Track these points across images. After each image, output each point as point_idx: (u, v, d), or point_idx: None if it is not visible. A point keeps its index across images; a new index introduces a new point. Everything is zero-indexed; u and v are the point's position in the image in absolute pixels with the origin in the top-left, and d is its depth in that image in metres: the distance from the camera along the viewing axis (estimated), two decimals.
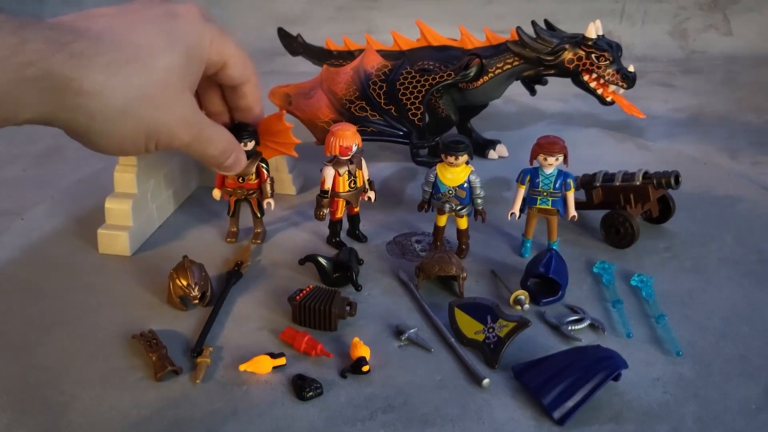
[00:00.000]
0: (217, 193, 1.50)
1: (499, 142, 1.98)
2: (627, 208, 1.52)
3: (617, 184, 1.53)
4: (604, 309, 1.31)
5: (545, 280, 1.36)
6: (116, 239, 1.45)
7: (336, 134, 1.42)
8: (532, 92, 1.96)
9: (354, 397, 1.09)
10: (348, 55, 2.05)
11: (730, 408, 1.07)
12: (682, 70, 2.85)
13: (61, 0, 2.91)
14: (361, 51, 2.02)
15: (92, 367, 1.14)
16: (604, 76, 1.63)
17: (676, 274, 1.42)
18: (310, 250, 1.48)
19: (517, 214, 1.46)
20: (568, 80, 1.74)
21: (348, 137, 1.42)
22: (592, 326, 1.25)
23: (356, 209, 1.52)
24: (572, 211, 1.44)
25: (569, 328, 1.24)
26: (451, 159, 1.39)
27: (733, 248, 1.51)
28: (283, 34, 2.21)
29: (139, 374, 1.13)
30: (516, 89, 1.90)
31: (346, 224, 1.55)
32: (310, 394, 1.08)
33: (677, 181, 1.49)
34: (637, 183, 1.51)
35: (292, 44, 2.21)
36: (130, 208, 1.46)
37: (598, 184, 1.56)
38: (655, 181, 1.50)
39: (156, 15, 0.77)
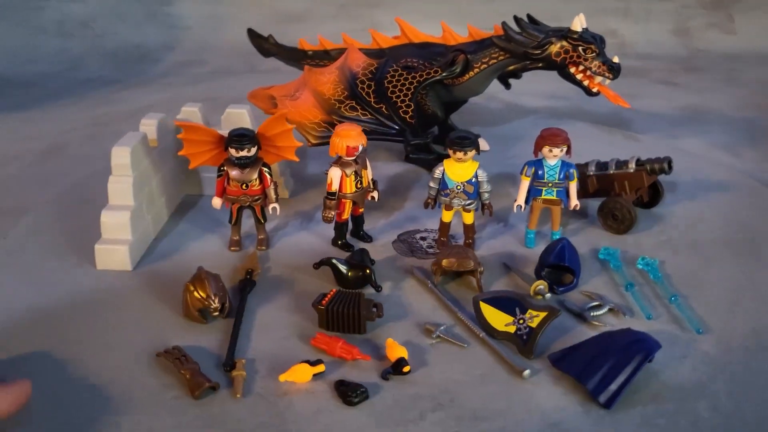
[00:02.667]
0: (217, 202, 1.45)
1: (479, 135, 1.99)
2: (622, 194, 1.56)
3: (611, 172, 1.57)
4: (617, 293, 1.35)
5: (558, 269, 1.38)
6: (116, 254, 1.39)
7: (341, 135, 1.41)
8: (507, 86, 1.99)
9: (400, 398, 1.08)
10: (324, 55, 2.03)
11: (756, 382, 1.12)
12: (685, 68, 2.85)
13: None
14: (337, 50, 2.00)
15: (122, 390, 1.09)
16: (590, 68, 1.67)
17: (675, 255, 1.47)
18: (317, 253, 1.46)
19: (523, 205, 1.48)
20: (549, 76, 1.78)
21: (354, 137, 1.40)
22: (612, 311, 1.29)
23: (361, 210, 1.50)
24: (575, 200, 1.48)
25: (591, 314, 1.27)
26: (460, 155, 1.39)
27: (721, 228, 1.58)
28: (253, 35, 2.16)
29: (174, 393, 1.08)
30: (500, 85, 1.92)
31: (348, 225, 1.53)
32: (357, 399, 1.06)
33: (670, 167, 1.54)
34: (631, 170, 1.55)
35: (263, 45, 2.16)
36: (129, 220, 1.40)
37: (591, 173, 1.60)
38: (648, 168, 1.55)
39: None
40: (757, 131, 2.20)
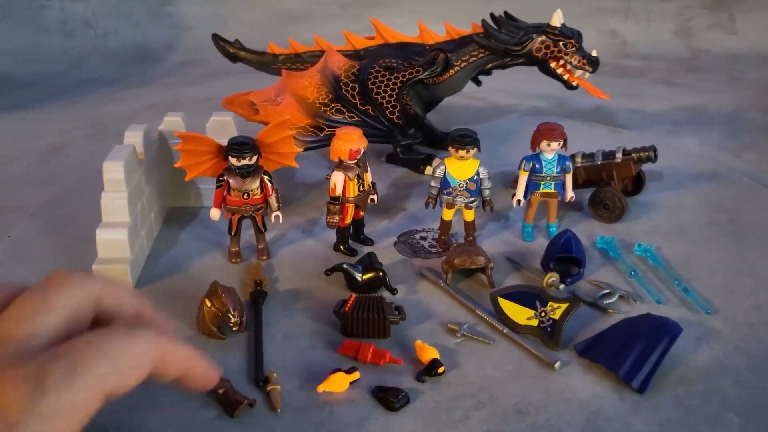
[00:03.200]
0: (216, 213, 1.41)
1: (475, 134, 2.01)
2: (611, 184, 1.61)
3: (599, 162, 1.62)
4: (622, 280, 1.39)
5: (563, 260, 1.41)
6: (116, 273, 1.32)
7: (343, 138, 1.39)
8: (478, 83, 2.01)
9: (441, 399, 1.08)
10: (296, 58, 1.99)
11: None
12: (687, 68, 2.88)
13: None
14: (309, 53, 1.97)
15: (157, 416, 1.04)
16: (571, 62, 1.71)
17: (666, 239, 1.53)
18: (320, 259, 1.44)
19: (522, 200, 1.50)
20: (529, 73, 1.81)
21: (356, 140, 1.39)
22: (622, 298, 1.32)
23: (362, 213, 1.49)
24: (570, 192, 1.51)
25: (605, 302, 1.30)
26: (462, 153, 1.40)
27: (702, 211, 1.65)
28: (217, 40, 2.10)
29: (211, 413, 1.04)
30: (483, 86, 1.94)
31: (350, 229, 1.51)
32: (399, 404, 1.05)
33: (656, 155, 1.60)
34: (619, 160, 1.60)
35: (229, 50, 2.10)
36: (127, 237, 1.34)
37: (579, 164, 1.64)
38: (635, 157, 1.60)
39: None
40: (758, 131, 2.26)
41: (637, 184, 1.69)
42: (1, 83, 2.70)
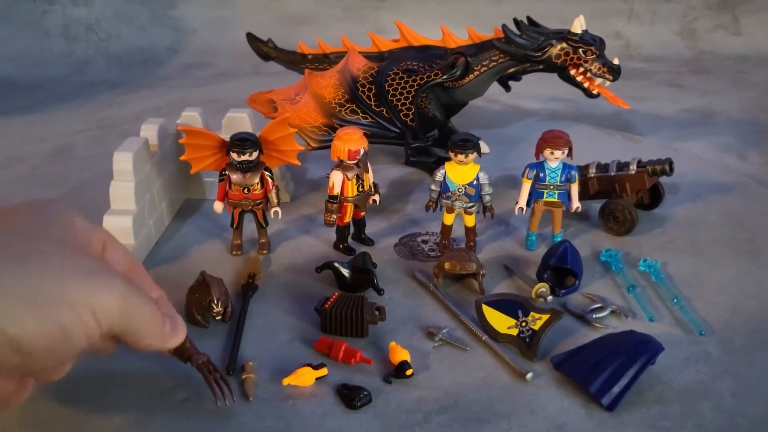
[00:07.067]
0: (219, 206, 1.45)
1: (479, 138, 1.99)
2: (623, 196, 1.56)
3: (612, 173, 1.58)
4: (620, 295, 1.35)
5: (560, 271, 1.38)
6: None
7: (343, 138, 1.41)
8: (507, 89, 1.99)
9: (404, 401, 1.08)
10: (324, 58, 2.03)
11: (761, 380, 1.12)
12: (692, 70, 2.84)
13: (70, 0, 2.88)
14: (337, 53, 2.01)
15: (125, 396, 1.09)
16: (591, 70, 1.67)
17: (677, 256, 1.48)
18: (318, 256, 1.46)
19: (525, 208, 1.48)
20: (549, 79, 1.78)
21: (355, 141, 1.41)
22: (614, 313, 1.29)
23: (363, 213, 1.50)
24: (576, 203, 1.48)
25: (593, 316, 1.27)
26: (461, 157, 1.40)
27: (722, 229, 1.58)
28: (252, 39, 2.16)
29: (180, 396, 1.08)
30: (499, 88, 1.92)
31: (350, 228, 1.53)
32: (360, 402, 1.06)
33: (671, 168, 1.55)
34: (633, 172, 1.56)
35: (262, 49, 2.16)
36: (131, 224, 1.40)
37: (592, 175, 1.60)
38: (650, 169, 1.55)
39: None
40: (764, 133, 2.19)
41: (654, 196, 1.63)
42: (5, 87, 2.76)
